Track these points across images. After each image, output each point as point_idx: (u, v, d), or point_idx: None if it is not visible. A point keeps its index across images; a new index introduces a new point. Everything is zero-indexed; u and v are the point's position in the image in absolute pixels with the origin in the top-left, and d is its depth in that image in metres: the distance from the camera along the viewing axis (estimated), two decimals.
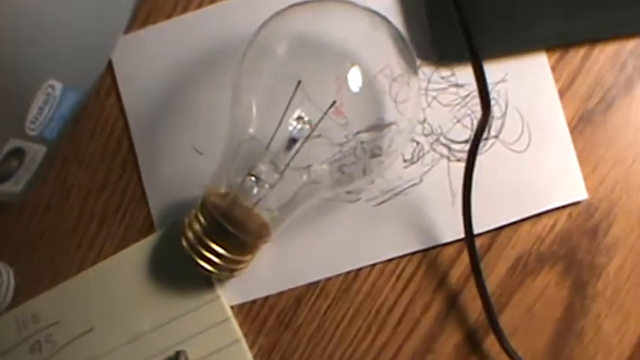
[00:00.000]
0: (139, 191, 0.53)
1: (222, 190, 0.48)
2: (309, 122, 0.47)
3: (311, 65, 0.46)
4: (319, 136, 0.47)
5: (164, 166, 0.53)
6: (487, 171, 0.50)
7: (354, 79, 0.46)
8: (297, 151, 0.47)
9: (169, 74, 0.53)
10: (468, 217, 0.46)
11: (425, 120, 0.52)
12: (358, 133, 0.46)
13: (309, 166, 0.47)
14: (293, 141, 0.47)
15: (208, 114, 0.52)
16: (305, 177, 0.48)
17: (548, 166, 0.49)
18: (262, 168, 0.47)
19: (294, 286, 0.51)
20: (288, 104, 0.45)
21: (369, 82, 0.46)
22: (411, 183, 0.51)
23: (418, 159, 0.51)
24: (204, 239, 0.47)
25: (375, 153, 0.48)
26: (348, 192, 0.51)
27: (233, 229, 0.47)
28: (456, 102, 0.51)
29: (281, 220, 0.49)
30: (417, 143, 0.52)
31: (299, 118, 0.47)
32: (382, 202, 0.51)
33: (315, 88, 0.45)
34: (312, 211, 0.50)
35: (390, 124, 0.47)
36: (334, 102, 0.45)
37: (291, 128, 0.46)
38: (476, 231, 0.47)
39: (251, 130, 0.47)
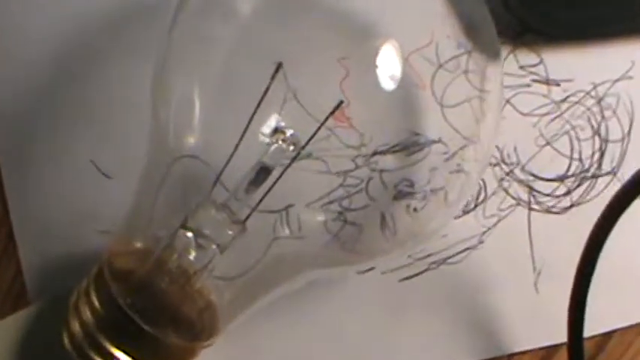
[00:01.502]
0: (4, 237, 0.39)
1: (138, 246, 0.33)
2: (293, 139, 0.30)
3: (299, 37, 0.32)
4: (309, 156, 0.31)
5: (45, 197, 0.38)
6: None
7: (375, 62, 0.31)
8: (269, 189, 0.30)
9: (54, 43, 0.38)
10: (578, 316, 0.31)
11: None
12: (375, 154, 0.32)
13: (287, 209, 0.31)
14: (264, 171, 0.30)
15: (122, 110, 0.38)
16: (282, 230, 0.32)
17: None
18: (207, 214, 0.31)
19: None
20: (259, 104, 0.30)
21: (398, 70, 0.31)
22: (464, 245, 0.36)
23: (477, 205, 0.37)
24: (100, 339, 0.30)
25: (404, 191, 0.33)
26: (354, 252, 0.35)
27: (150, 325, 0.30)
28: (545, 109, 0.37)
29: (238, 308, 0.32)
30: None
31: (277, 131, 0.31)
32: (413, 276, 0.36)
33: (305, 76, 0.31)
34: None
35: (431, 142, 0.32)
36: (340, 102, 0.30)
37: (261, 148, 0.31)
38: None
39: (190, 142, 0.32)
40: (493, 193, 0.36)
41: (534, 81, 0.37)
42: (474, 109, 0.33)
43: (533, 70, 0.37)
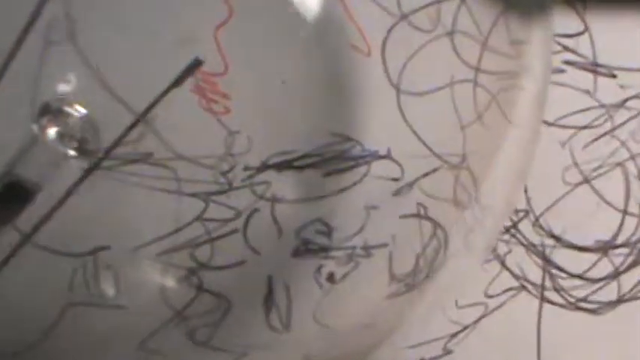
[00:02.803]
0: None
1: None
2: (86, 128, 0.17)
3: None
4: (121, 164, 0.18)
5: None
6: None
7: None
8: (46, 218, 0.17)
9: None
10: None
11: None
12: (264, 169, 0.19)
13: (95, 254, 0.18)
14: (22, 189, 0.17)
15: None
16: (88, 289, 0.18)
17: None
18: None
19: None
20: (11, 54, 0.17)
21: (315, 12, 0.19)
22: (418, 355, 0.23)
23: None
24: None
25: (313, 242, 0.19)
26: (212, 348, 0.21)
27: None
28: (586, 116, 0.23)
29: None
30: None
31: (53, 110, 0.17)
32: None
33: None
34: None
35: (372, 156, 0.19)
36: (198, 61, 0.17)
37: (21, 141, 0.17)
38: None
39: None
40: (452, 257, 0.22)
41: (570, 64, 0.23)
42: (464, 104, 0.20)
43: (570, 44, 0.23)
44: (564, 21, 0.22)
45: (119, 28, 0.17)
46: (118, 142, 0.17)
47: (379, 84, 0.19)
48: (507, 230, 0.23)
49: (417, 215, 0.20)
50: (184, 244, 0.19)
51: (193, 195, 0.18)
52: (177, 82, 0.17)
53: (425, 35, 0.19)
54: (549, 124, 0.22)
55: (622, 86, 0.23)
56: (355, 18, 0.19)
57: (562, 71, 0.22)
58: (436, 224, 0.21)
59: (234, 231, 0.19)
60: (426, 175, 0.19)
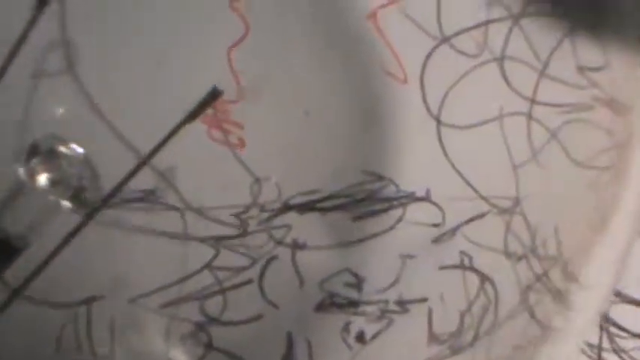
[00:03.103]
0: None
1: None
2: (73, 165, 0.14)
3: None
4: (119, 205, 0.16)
5: None
6: None
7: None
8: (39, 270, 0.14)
9: None
10: None
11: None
12: (284, 210, 0.16)
13: (88, 304, 0.16)
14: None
15: None
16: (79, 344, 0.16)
17: None
18: None
19: None
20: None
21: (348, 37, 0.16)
22: None
23: (477, 337, 0.17)
24: None
25: (340, 296, 0.16)
26: None
27: None
28: (608, 157, 0.18)
29: None
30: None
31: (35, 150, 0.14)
32: None
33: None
34: None
35: (409, 198, 0.16)
36: (217, 92, 0.14)
37: None
38: None
39: None
40: (508, 318, 0.17)
41: (596, 100, 0.18)
42: (517, 139, 0.17)
43: (596, 77, 0.18)
44: (591, 55, 0.17)
45: (121, 54, 0.16)
46: (119, 188, 0.15)
47: (417, 115, 0.16)
48: (539, 279, 0.17)
49: (461, 266, 0.17)
50: (191, 295, 0.16)
51: (202, 240, 0.16)
52: (192, 116, 0.15)
53: (470, 60, 0.16)
54: (578, 164, 0.17)
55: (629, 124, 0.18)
56: (390, 40, 0.17)
57: (591, 107, 0.17)
58: (484, 277, 0.18)
59: (249, 281, 0.17)
60: (470, 220, 0.16)
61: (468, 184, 0.16)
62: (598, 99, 0.18)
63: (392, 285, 0.16)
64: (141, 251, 0.15)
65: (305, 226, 0.16)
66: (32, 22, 0.13)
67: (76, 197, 0.14)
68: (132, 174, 0.14)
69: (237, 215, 0.16)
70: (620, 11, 0.18)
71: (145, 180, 0.15)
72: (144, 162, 0.14)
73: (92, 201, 0.14)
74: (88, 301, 0.15)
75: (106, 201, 0.14)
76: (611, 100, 0.18)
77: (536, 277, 0.17)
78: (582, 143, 0.17)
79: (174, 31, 0.15)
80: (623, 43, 0.18)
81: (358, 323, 0.16)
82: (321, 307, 0.16)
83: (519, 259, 0.17)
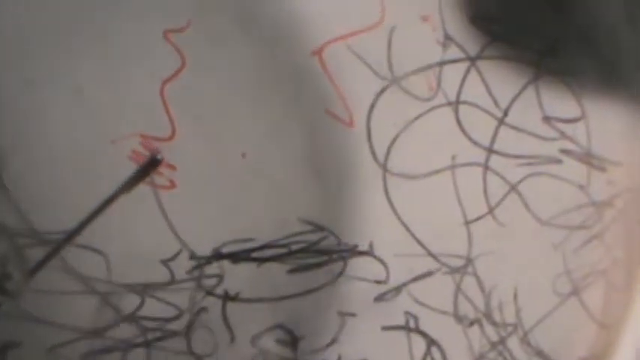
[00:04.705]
0: None
1: None
2: None
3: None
4: None
5: None
6: None
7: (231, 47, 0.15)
8: None
9: None
10: None
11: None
12: (210, 260, 0.15)
13: None
14: None
15: None
16: None
17: None
18: None
19: None
20: None
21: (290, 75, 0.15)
22: None
23: None
24: None
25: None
26: None
27: None
28: (578, 216, 0.17)
29: None
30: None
31: None
32: None
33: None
34: None
35: (342, 251, 0.15)
36: (155, 161, 0.14)
37: None
38: None
39: None
40: None
41: (567, 153, 0.17)
42: (470, 192, 0.16)
43: (568, 129, 0.17)
44: (564, 101, 0.16)
45: (42, 87, 0.15)
46: (44, 263, 0.14)
47: (362, 162, 0.15)
48: (495, 345, 0.16)
49: (406, 327, 0.15)
50: (114, 346, 0.16)
51: (127, 286, 0.15)
52: (128, 185, 0.14)
53: (421, 104, 0.15)
54: (543, 223, 0.16)
55: (609, 182, 0.16)
56: (335, 79, 0.15)
57: (559, 161, 0.16)
58: (431, 341, 0.16)
59: (175, 333, 0.16)
60: (417, 278, 0.15)
61: (415, 239, 0.15)
62: (569, 152, 0.17)
63: (330, 344, 0.15)
64: (60, 296, 0.14)
65: (238, 277, 0.15)
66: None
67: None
68: (55, 251, 0.14)
69: (164, 262, 0.15)
70: (598, 58, 0.17)
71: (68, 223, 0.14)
72: (69, 238, 0.14)
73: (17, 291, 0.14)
74: (4, 348, 0.14)
75: (32, 275, 0.13)
76: (587, 155, 0.17)
77: (491, 344, 0.16)
78: (548, 199, 0.16)
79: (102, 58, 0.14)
80: (601, 93, 0.17)
81: None
82: None
83: (471, 323, 0.16)
